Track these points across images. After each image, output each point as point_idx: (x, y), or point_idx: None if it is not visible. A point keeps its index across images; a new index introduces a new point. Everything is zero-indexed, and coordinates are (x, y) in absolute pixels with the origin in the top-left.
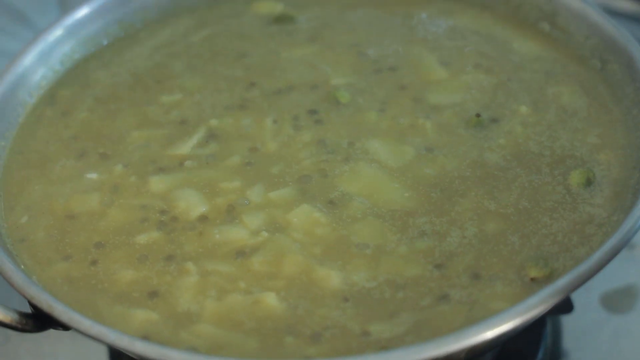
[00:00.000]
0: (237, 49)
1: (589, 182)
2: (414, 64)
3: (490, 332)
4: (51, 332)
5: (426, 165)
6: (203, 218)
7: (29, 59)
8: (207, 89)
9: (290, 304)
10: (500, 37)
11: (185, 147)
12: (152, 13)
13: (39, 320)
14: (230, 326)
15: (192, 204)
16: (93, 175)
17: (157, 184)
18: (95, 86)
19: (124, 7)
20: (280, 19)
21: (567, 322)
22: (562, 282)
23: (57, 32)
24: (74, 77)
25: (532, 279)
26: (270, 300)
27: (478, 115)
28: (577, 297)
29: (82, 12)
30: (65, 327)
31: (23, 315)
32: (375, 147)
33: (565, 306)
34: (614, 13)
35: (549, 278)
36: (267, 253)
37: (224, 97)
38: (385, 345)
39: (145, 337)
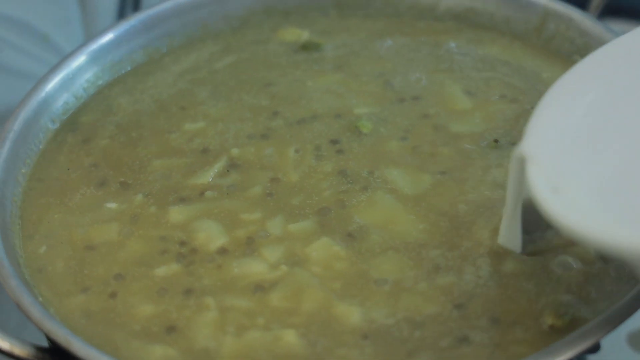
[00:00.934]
0: (263, 77)
1: None
2: (438, 93)
3: None
4: None
5: (445, 194)
6: (222, 250)
7: (51, 85)
8: (231, 117)
9: (310, 341)
10: (530, 68)
11: (206, 177)
12: (177, 39)
13: (56, 355)
14: None
15: (211, 236)
16: (113, 205)
17: (177, 214)
18: (118, 113)
19: (149, 32)
20: (307, 47)
21: None
22: (590, 326)
23: (81, 58)
24: (96, 102)
25: (551, 327)
26: (290, 337)
27: (496, 141)
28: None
29: (107, 37)
30: None
31: (40, 349)
32: (393, 176)
33: (591, 346)
34: None
35: (570, 326)
36: (286, 288)
37: (247, 125)
38: None
39: None
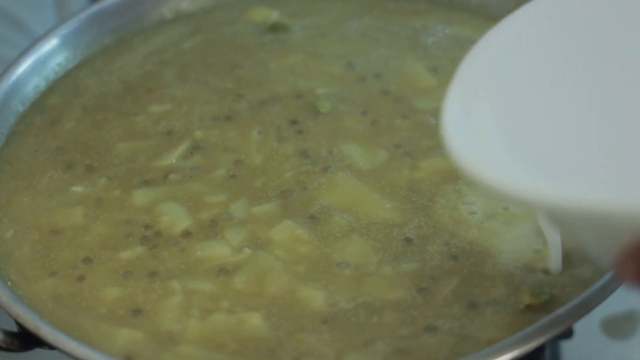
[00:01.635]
0: (228, 59)
1: None
2: (401, 71)
3: None
4: (37, 350)
5: (407, 169)
6: (186, 233)
7: (23, 68)
8: (196, 99)
9: (273, 324)
10: None
11: (170, 159)
12: (149, 21)
13: (25, 339)
14: (214, 347)
15: (175, 219)
16: (78, 189)
17: (141, 197)
18: (85, 94)
19: (122, 16)
20: (275, 28)
21: (567, 347)
22: (562, 312)
23: (53, 41)
24: (64, 84)
25: (527, 306)
26: (254, 321)
27: None
28: (576, 322)
29: (79, 21)
30: (51, 347)
31: (8, 334)
32: (350, 151)
33: (564, 331)
34: None
35: (545, 305)
36: (249, 271)
37: (211, 108)
38: None
39: (129, 358)
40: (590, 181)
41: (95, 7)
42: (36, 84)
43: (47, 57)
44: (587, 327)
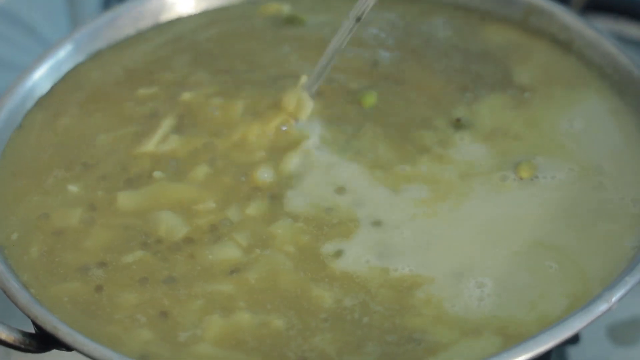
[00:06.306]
0: (241, 53)
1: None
2: None
3: None
4: (53, 351)
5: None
6: (188, 239)
7: (38, 74)
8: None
9: (286, 322)
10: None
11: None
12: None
13: (42, 340)
14: (232, 345)
15: (171, 225)
16: (74, 188)
17: (128, 200)
18: (85, 87)
19: (140, 21)
20: (291, 21)
21: (573, 353)
22: (569, 317)
23: (68, 46)
24: (68, 77)
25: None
26: (274, 319)
27: (458, 120)
28: (583, 328)
29: (94, 27)
30: (69, 348)
31: (26, 335)
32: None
33: (571, 337)
34: (627, 41)
35: None
36: (260, 269)
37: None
38: None
39: (145, 358)
40: None
41: (112, 14)
42: (52, 87)
43: (62, 62)
44: (593, 332)
